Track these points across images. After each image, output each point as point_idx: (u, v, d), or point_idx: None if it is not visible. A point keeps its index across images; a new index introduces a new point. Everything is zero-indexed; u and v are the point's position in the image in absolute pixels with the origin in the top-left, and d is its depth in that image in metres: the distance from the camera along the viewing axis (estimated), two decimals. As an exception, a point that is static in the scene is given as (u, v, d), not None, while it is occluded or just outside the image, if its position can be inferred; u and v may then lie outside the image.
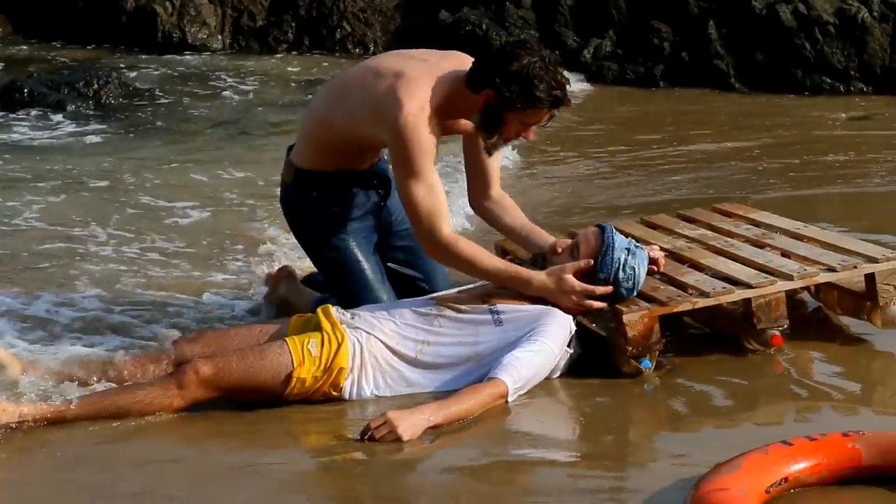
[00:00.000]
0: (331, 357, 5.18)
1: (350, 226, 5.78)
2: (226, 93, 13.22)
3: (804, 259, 5.75)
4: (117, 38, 15.80)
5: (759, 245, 6.00)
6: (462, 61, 5.50)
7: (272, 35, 15.53)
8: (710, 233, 6.24)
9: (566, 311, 5.33)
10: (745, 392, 5.37)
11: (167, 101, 12.42)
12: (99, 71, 12.99)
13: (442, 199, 5.35)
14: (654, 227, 6.46)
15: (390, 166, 5.60)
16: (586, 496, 4.43)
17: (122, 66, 14.21)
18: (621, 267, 5.33)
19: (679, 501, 4.15)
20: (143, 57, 15.03)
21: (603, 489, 4.50)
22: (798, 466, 4.27)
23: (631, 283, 5.36)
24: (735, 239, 6.10)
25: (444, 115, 5.36)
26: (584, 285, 5.32)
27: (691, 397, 5.31)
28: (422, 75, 5.37)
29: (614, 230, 5.42)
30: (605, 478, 4.60)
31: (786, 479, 4.23)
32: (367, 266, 5.78)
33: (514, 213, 5.77)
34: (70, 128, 11.47)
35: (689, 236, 6.20)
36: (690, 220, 6.49)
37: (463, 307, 5.34)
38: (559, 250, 5.49)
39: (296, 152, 5.83)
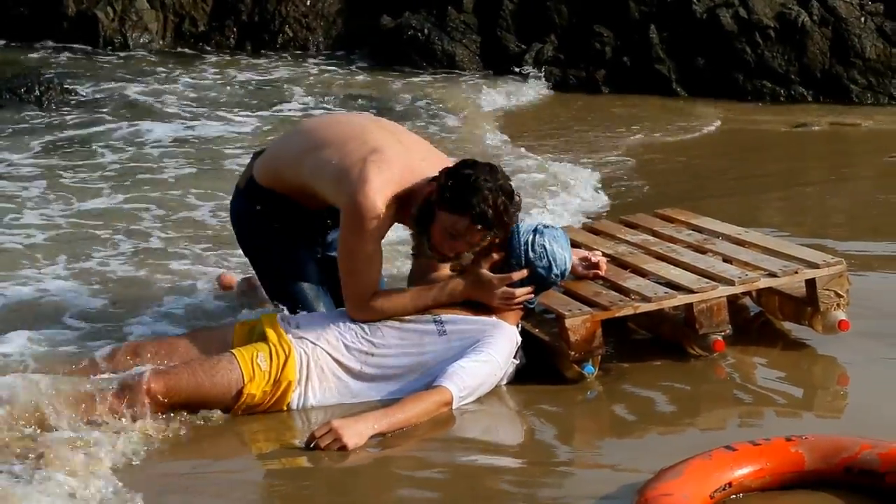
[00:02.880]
0: (279, 370, 5.17)
1: (291, 239, 5.76)
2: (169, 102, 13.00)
3: (746, 264, 5.78)
4: (59, 40, 15.62)
5: (701, 250, 6.02)
6: (441, 166, 5.43)
7: (214, 40, 15.45)
8: (652, 238, 6.26)
9: (498, 308, 5.35)
10: (689, 397, 5.41)
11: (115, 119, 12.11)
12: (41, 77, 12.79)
13: (376, 271, 5.38)
14: (596, 232, 6.47)
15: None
16: (531, 503, 4.45)
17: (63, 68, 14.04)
18: (529, 248, 5.33)
19: (624, 507, 4.18)
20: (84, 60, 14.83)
21: (547, 496, 4.51)
22: (742, 471, 4.30)
23: (545, 261, 5.34)
24: (677, 244, 6.12)
25: (399, 206, 5.35)
26: (500, 275, 5.34)
27: (635, 403, 5.34)
28: (396, 160, 5.37)
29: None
30: (550, 485, 4.62)
31: (730, 485, 4.27)
32: (305, 280, 5.75)
33: None
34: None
35: (631, 241, 6.22)
36: (632, 226, 6.50)
37: (406, 316, 5.34)
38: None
39: (259, 163, 5.81)
